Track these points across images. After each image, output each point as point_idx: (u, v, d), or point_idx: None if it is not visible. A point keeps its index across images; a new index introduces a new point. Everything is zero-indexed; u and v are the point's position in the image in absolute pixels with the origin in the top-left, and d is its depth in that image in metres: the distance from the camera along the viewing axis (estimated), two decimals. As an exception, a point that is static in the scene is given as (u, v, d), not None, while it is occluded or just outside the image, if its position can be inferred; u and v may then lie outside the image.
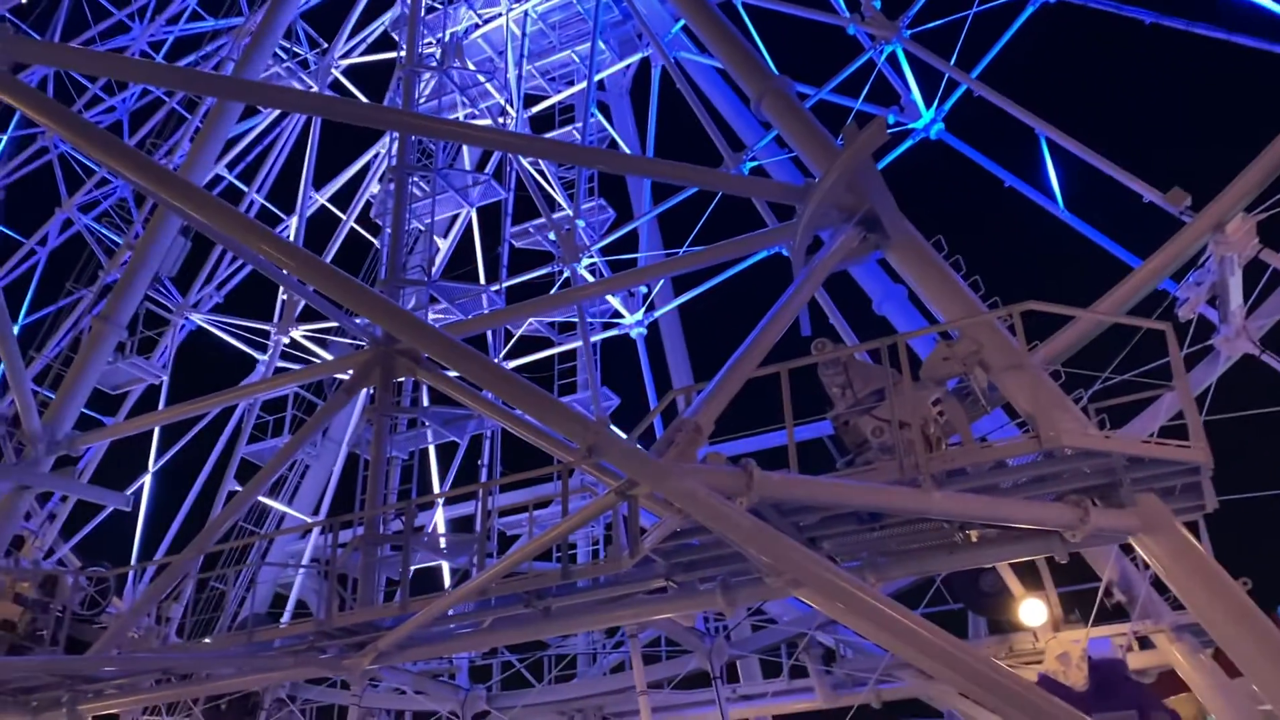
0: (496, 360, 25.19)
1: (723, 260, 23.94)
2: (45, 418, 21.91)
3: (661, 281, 29.14)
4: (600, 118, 30.71)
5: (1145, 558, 12.84)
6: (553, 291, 26.42)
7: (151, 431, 27.56)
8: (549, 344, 28.57)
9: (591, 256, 27.27)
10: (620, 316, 29.62)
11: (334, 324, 27.72)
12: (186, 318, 28.74)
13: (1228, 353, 16.08)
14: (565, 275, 26.74)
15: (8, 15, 29.34)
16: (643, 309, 29.43)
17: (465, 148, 31.31)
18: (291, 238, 28.89)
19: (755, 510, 11.66)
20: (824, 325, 21.93)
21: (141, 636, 19.41)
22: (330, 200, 32.11)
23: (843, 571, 12.01)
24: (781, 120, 16.77)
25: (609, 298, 28.61)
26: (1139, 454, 11.34)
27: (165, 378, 26.66)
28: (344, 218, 31.42)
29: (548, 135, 29.42)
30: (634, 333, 29.50)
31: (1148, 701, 17.14)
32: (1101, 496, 11.91)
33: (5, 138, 30.67)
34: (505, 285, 28.02)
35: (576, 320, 27.41)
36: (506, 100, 28.65)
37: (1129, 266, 19.10)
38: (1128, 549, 15.45)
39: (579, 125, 28.66)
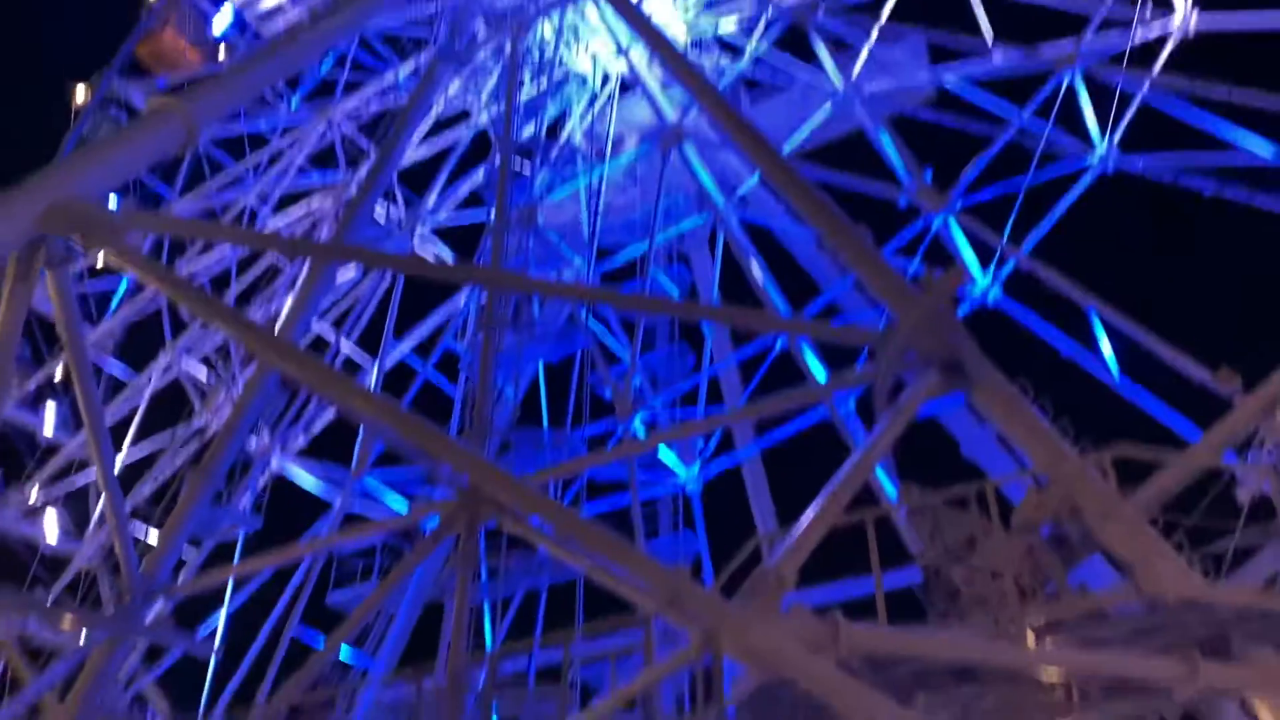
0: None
1: (791, 408, 23.96)
2: (143, 566, 22.51)
3: (717, 430, 29.08)
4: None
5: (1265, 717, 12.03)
6: (610, 445, 26.65)
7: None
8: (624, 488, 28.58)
9: (648, 411, 27.57)
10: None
11: (405, 470, 28.27)
12: (268, 461, 29.26)
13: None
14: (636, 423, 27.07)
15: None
16: (698, 463, 29.37)
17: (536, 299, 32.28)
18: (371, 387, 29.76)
19: (844, 663, 11.33)
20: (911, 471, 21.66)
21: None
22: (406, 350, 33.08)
23: (937, 729, 11.52)
24: (858, 265, 17.02)
25: (662, 450, 28.61)
26: (1248, 605, 10.79)
27: (259, 524, 27.24)
28: (421, 369, 32.30)
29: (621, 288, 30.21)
30: (688, 488, 29.37)
31: None
32: (1212, 650, 11.28)
33: (124, 285, 32.09)
34: (588, 435, 28.28)
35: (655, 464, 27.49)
36: (585, 255, 29.55)
37: (1186, 440, 18.83)
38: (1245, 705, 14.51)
39: (645, 279, 29.38)
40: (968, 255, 25.99)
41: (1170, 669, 10.88)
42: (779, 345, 27.18)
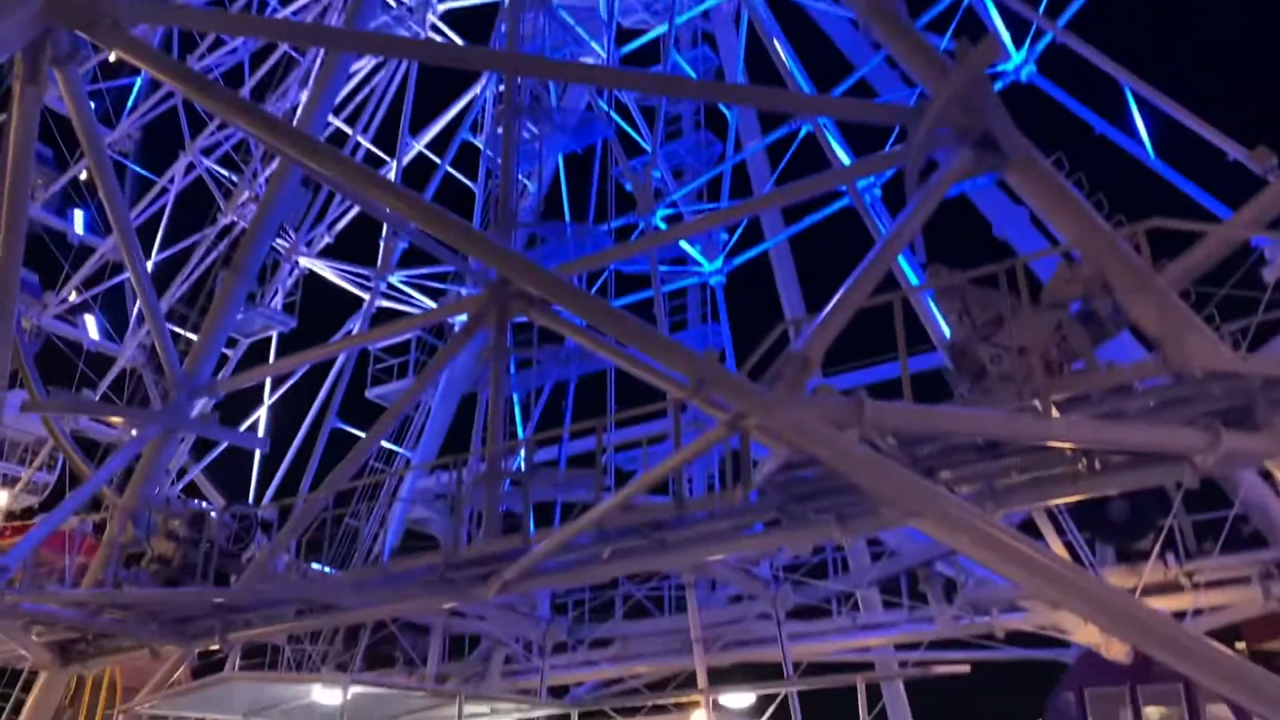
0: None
1: (821, 193, 23.55)
2: (185, 365, 23.12)
3: (743, 220, 28.70)
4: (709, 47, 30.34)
5: (1284, 483, 12.28)
6: (632, 238, 26.45)
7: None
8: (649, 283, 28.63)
9: (672, 204, 27.18)
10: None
11: (433, 269, 28.39)
12: (295, 261, 29.46)
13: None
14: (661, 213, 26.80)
15: None
16: (721, 257, 29.17)
17: (553, 90, 31.36)
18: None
19: (870, 442, 11.56)
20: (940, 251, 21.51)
21: (283, 571, 20.48)
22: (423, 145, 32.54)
23: (961, 501, 11.84)
24: (891, 40, 16.24)
25: (683, 244, 28.39)
26: (1276, 374, 10.77)
27: (293, 324, 27.72)
28: (440, 162, 31.84)
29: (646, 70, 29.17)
30: (712, 280, 29.27)
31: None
32: (1234, 420, 11.37)
33: (138, 85, 31.66)
34: (614, 226, 28.12)
35: (684, 258, 27.42)
36: (605, 37, 28.47)
37: (1219, 218, 18.36)
38: (1268, 475, 14.80)
39: (670, 60, 28.36)
40: (1002, 30, 24.78)
41: (1193, 439, 11.02)
42: (804, 131, 26.43)
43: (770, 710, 17.40)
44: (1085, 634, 16.84)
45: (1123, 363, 11.89)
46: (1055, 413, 11.07)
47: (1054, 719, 17.14)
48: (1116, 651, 16.33)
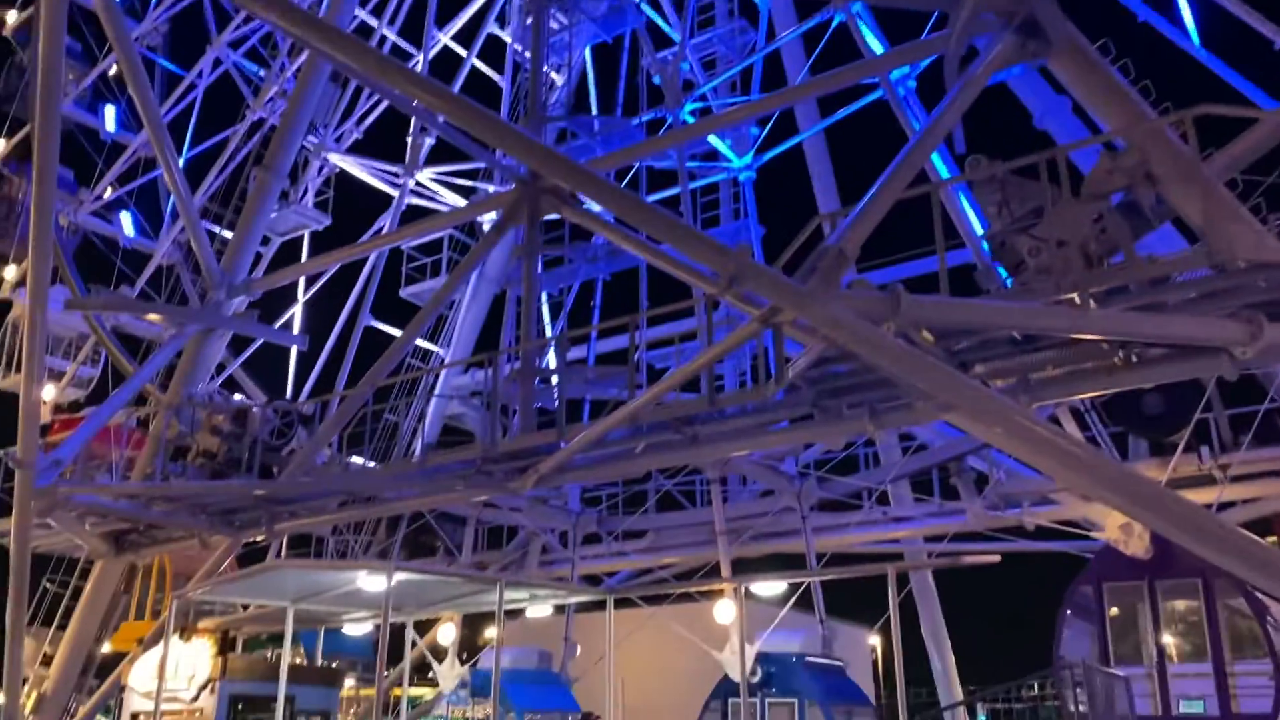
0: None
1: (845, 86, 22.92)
2: (222, 263, 23.33)
3: (775, 112, 27.99)
4: None
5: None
6: (661, 133, 25.98)
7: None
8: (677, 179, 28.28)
9: (701, 96, 26.59)
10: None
11: (462, 166, 28.17)
12: (325, 158, 29.23)
13: None
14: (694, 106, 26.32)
15: None
16: (751, 152, 28.64)
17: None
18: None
19: (905, 336, 11.54)
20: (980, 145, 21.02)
21: (325, 464, 20.96)
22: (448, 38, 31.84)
23: (995, 394, 11.84)
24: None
25: (712, 139, 27.88)
26: (1322, 265, 10.58)
27: (328, 222, 27.74)
28: (466, 55, 31.25)
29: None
30: (741, 176, 28.81)
31: (1211, 568, 16.66)
32: (1277, 313, 11.22)
33: None
34: (645, 120, 27.68)
35: (715, 153, 27.02)
36: None
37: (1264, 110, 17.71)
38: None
39: None
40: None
41: (1233, 331, 10.91)
42: (837, 20, 25.61)
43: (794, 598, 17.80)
44: (1108, 528, 16.98)
45: (1163, 254, 11.71)
46: (1093, 305, 10.96)
47: (1071, 611, 17.43)
48: (1136, 547, 16.49)
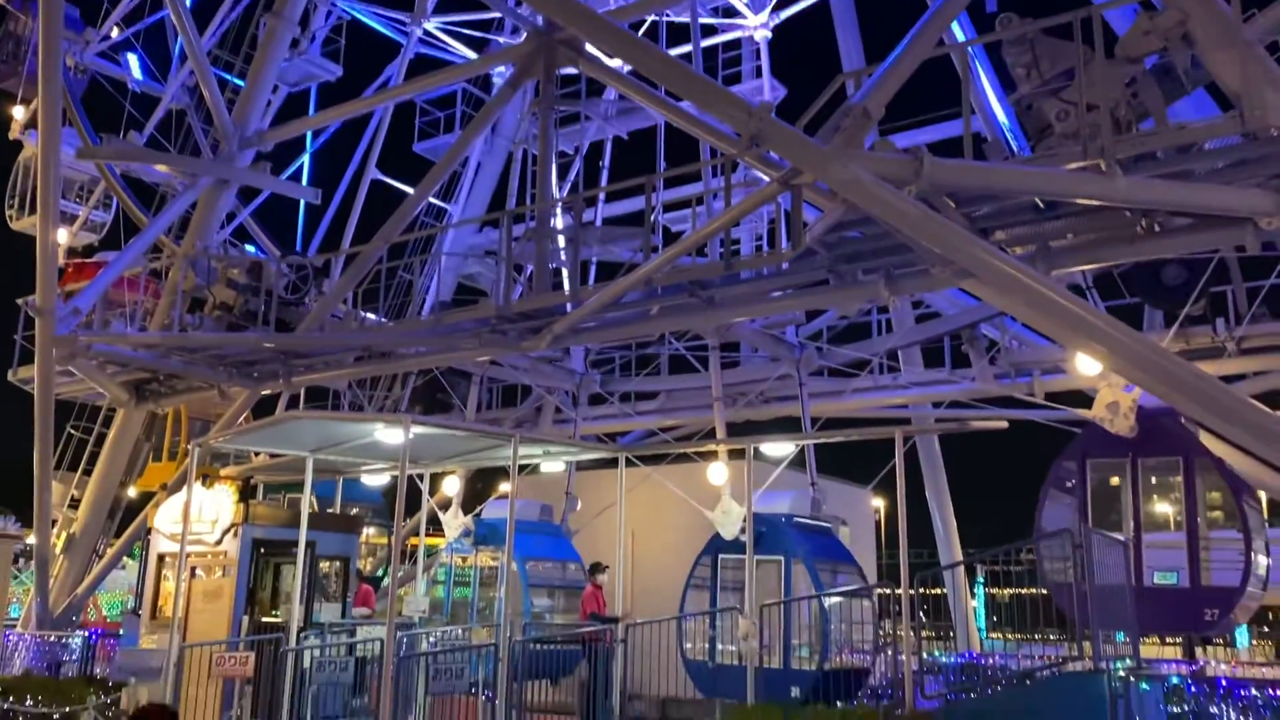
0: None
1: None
2: (234, 114, 22.97)
3: None
4: None
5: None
6: None
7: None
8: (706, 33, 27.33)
9: None
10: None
11: (474, 16, 27.33)
12: (333, 2, 28.21)
13: None
14: None
15: None
16: (768, 8, 27.55)
17: None
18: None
19: (925, 200, 11.40)
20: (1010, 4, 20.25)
21: (341, 319, 21.15)
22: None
23: (1014, 260, 11.76)
24: None
25: None
26: (1360, 134, 10.30)
27: (339, 72, 27.12)
28: None
29: None
30: (757, 35, 27.78)
31: (1193, 448, 16.86)
32: (1307, 184, 11.01)
33: None
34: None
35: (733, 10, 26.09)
36: None
37: None
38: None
39: None
40: None
41: (1261, 201, 10.74)
42: None
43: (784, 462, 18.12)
44: (1095, 407, 17.10)
45: (1194, 121, 11.44)
46: (1119, 171, 10.77)
47: (1052, 485, 17.85)
48: (1121, 426, 16.66)
